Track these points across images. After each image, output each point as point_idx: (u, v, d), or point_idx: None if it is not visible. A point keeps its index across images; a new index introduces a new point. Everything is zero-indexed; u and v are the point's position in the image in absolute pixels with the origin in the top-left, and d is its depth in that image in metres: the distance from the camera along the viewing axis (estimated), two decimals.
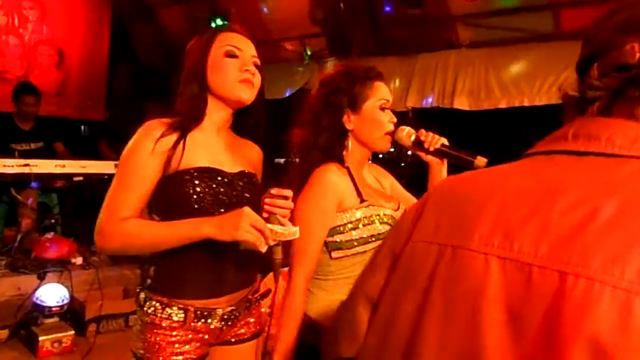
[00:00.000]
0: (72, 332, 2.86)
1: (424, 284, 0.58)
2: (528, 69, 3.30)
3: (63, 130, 4.62)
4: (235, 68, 1.22)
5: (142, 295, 1.25)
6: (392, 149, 1.53)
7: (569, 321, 0.45)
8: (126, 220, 1.14)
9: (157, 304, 1.21)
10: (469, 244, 0.55)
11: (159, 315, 1.21)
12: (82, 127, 6.02)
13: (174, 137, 1.18)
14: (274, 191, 1.18)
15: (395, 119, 1.40)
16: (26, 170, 3.26)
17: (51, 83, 5.22)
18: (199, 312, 1.22)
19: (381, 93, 1.38)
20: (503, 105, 3.43)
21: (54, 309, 2.84)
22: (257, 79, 1.26)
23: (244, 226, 1.08)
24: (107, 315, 3.16)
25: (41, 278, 3.12)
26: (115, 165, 3.61)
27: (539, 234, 0.50)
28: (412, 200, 1.53)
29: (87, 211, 4.08)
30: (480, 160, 1.32)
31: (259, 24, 4.75)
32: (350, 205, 1.32)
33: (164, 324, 1.20)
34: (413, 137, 1.40)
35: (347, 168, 1.36)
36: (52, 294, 2.90)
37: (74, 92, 5.39)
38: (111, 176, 3.95)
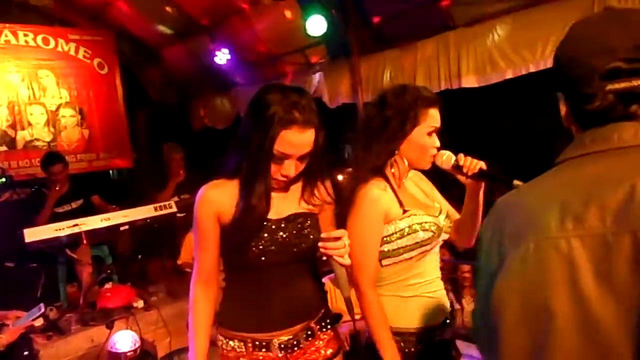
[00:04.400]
0: None
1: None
2: (527, 35, 3.29)
3: (96, 183, 4.87)
4: (277, 170, 1.30)
5: (216, 330, 1.44)
6: None
7: None
8: (196, 290, 1.43)
9: (222, 338, 1.41)
10: (548, 234, 0.68)
11: (224, 347, 1.40)
12: (111, 172, 6.28)
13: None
14: (324, 235, 1.28)
15: (438, 144, 1.49)
16: (76, 229, 3.47)
17: (78, 142, 5.51)
18: (257, 342, 1.37)
19: (432, 120, 1.47)
20: (510, 75, 3.44)
21: (128, 353, 3.03)
22: (296, 171, 1.32)
23: None
24: (177, 350, 3.35)
25: (110, 327, 3.33)
26: (155, 209, 3.81)
27: (601, 211, 0.65)
28: (445, 203, 1.65)
29: (137, 256, 4.33)
30: (518, 183, 1.38)
31: (258, 45, 4.90)
32: (394, 217, 1.45)
33: (230, 355, 1.41)
34: (452, 161, 1.49)
35: (389, 183, 1.48)
36: (124, 340, 3.09)
37: (100, 145, 5.67)
38: (153, 219, 4.08)
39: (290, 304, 1.39)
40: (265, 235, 1.33)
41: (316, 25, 3.96)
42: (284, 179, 1.30)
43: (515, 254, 0.70)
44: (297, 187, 1.41)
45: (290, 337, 1.39)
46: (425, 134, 1.46)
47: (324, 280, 3.30)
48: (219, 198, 1.34)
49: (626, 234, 0.63)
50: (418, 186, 1.64)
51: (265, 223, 1.33)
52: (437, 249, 1.55)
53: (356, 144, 1.53)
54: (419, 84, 3.89)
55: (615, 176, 0.67)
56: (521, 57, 3.37)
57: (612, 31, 0.72)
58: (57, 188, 4.00)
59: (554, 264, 0.66)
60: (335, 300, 3.23)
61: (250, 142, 1.27)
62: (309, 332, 1.42)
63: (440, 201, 1.65)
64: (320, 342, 1.45)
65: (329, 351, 1.46)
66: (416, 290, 1.50)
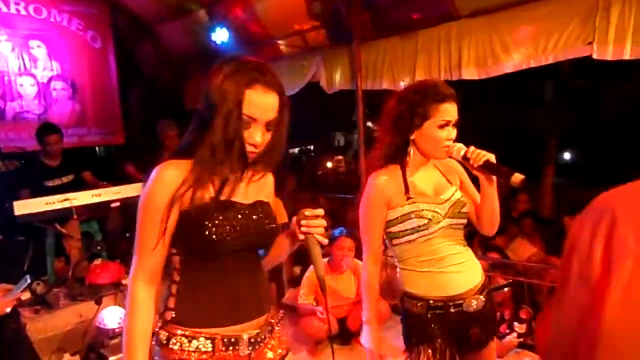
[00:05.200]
0: None
1: None
2: (530, 30, 3.29)
3: (88, 159, 4.80)
4: (245, 136, 1.23)
5: (163, 334, 1.25)
6: None
7: None
8: (138, 290, 1.26)
9: (183, 339, 1.22)
10: None
11: (186, 349, 1.22)
12: (97, 149, 6.20)
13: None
14: (307, 212, 1.25)
15: (452, 136, 1.59)
16: (67, 204, 3.43)
17: (69, 115, 5.41)
18: (226, 340, 1.25)
19: (444, 114, 1.57)
20: (510, 69, 3.43)
21: (116, 330, 3.02)
22: (262, 140, 1.25)
23: None
24: None
25: (98, 303, 3.32)
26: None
27: None
28: (472, 192, 1.75)
29: (127, 233, 4.29)
30: (517, 177, 1.48)
31: (257, 24, 4.83)
32: (398, 202, 1.61)
33: (192, 357, 1.21)
34: (462, 153, 1.59)
35: (403, 170, 1.63)
36: (112, 316, 3.08)
37: (92, 120, 5.58)
38: None
39: (256, 293, 1.33)
40: (233, 218, 1.26)
41: None
42: (252, 148, 1.24)
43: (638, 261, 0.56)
44: (258, 175, 1.37)
45: (258, 330, 1.31)
46: (436, 127, 1.57)
47: None
48: (178, 179, 1.22)
49: None
50: (444, 175, 1.73)
51: (234, 205, 1.27)
52: (446, 231, 1.63)
53: (376, 132, 1.67)
54: (419, 73, 3.89)
55: None
56: (523, 52, 3.37)
57: None
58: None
59: None
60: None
61: (216, 112, 1.20)
62: (270, 328, 1.37)
63: (468, 190, 1.74)
64: (274, 342, 1.38)
65: (279, 351, 1.40)
66: (427, 266, 1.64)
